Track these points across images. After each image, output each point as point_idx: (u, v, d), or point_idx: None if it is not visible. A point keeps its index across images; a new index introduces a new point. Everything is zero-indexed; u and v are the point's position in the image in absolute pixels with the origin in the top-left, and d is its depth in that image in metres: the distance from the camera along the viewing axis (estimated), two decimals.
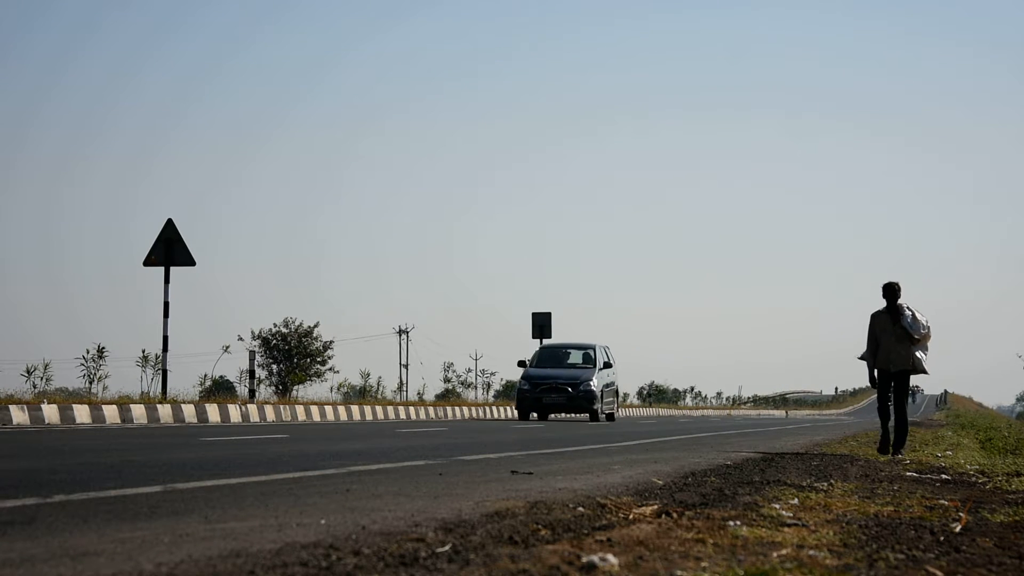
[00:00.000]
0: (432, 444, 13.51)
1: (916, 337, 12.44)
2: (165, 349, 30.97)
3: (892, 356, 12.52)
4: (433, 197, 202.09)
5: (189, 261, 30.29)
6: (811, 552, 4.44)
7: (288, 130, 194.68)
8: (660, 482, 7.80)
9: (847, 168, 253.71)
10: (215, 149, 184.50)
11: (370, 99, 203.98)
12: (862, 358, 12.79)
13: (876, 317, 12.67)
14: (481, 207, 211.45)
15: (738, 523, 5.29)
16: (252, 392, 30.19)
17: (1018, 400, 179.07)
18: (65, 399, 27.05)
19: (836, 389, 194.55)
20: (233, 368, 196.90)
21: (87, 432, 16.73)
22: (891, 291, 12.58)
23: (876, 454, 13.16)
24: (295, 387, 58.53)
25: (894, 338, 12.48)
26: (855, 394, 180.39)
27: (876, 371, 12.70)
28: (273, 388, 58.33)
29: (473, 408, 44.22)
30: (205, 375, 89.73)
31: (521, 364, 31.89)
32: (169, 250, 30.32)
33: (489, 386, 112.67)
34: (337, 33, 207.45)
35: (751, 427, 31.13)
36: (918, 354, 12.55)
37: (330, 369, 63.11)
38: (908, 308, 12.56)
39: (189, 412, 25.25)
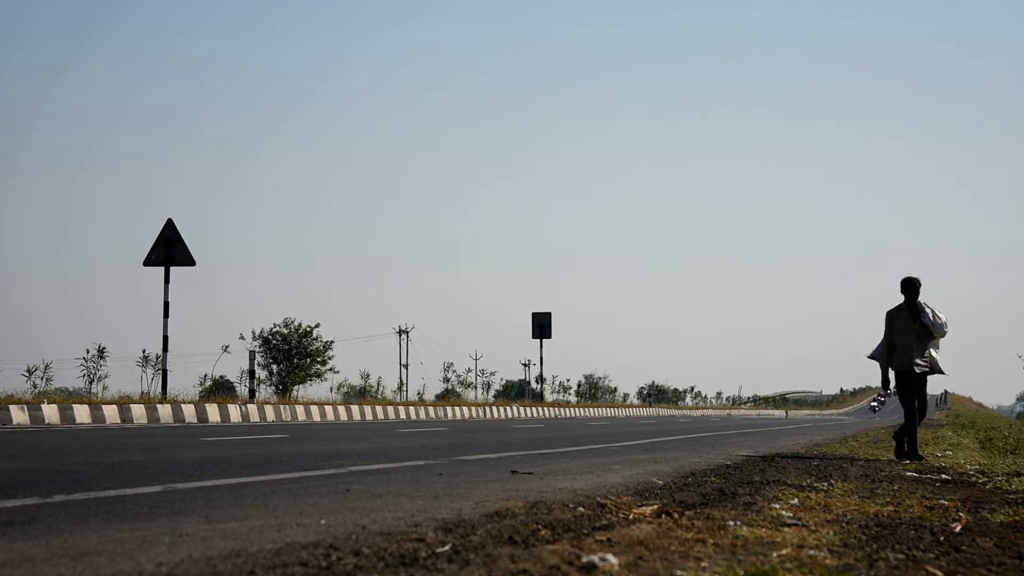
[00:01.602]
0: (432, 444, 13.50)
1: (937, 337, 11.66)
2: (165, 349, 30.97)
3: (914, 357, 11.67)
4: (433, 197, 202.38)
5: (189, 261, 30.29)
6: (811, 552, 4.44)
7: (288, 130, 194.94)
8: (660, 482, 7.80)
9: (847, 168, 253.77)
10: (215, 149, 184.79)
11: (370, 100, 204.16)
12: (873, 357, 11.95)
13: (894, 315, 11.80)
14: (481, 207, 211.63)
15: (738, 523, 5.29)
16: (252, 392, 30.18)
17: (1018, 400, 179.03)
18: (65, 399, 27.05)
19: (841, 389, 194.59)
20: (233, 368, 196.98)
21: (87, 432, 16.72)
22: (911, 287, 11.74)
23: (876, 454, 13.15)
24: (295, 387, 58.52)
25: (914, 337, 11.66)
26: (855, 394, 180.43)
27: (894, 373, 11.81)
28: (273, 388, 58.32)
29: (473, 408, 44.22)
30: (205, 375, 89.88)
31: None
32: (169, 250, 30.32)
33: (489, 386, 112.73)
34: (338, 34, 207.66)
35: (751, 427, 31.12)
36: (934, 353, 11.78)
37: (330, 369, 63.11)
38: (927, 306, 11.72)
39: (189, 412, 25.26)
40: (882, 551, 4.55)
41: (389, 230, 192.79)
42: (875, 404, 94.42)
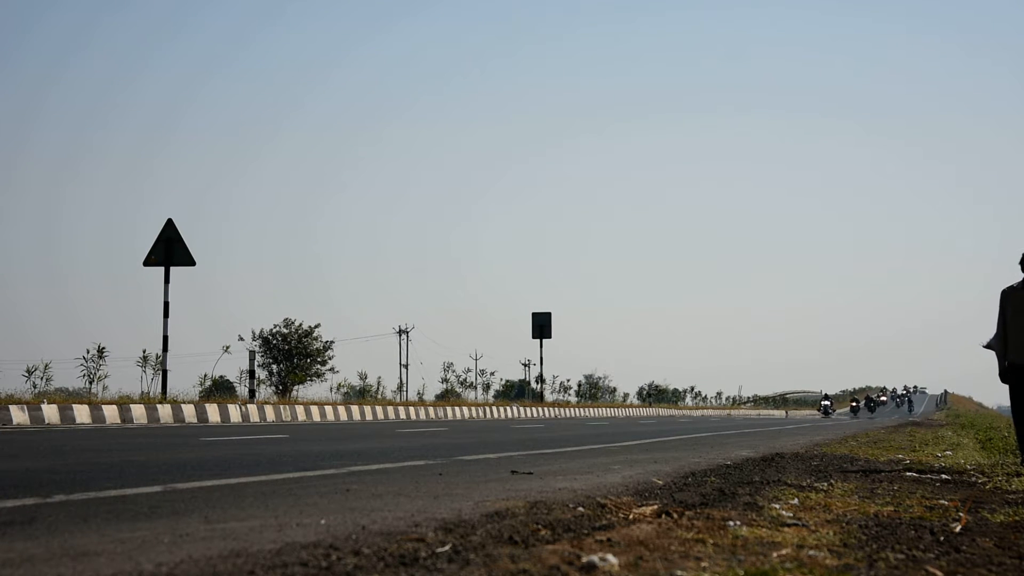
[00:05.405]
0: (432, 444, 13.51)
1: None
2: (165, 349, 30.99)
3: None
4: (433, 197, 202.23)
5: (189, 261, 30.30)
6: (811, 552, 4.44)
7: (288, 131, 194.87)
8: (660, 482, 7.80)
9: (847, 168, 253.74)
10: (215, 149, 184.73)
11: (370, 100, 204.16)
12: (989, 347, 10.37)
13: (1010, 294, 10.00)
14: (481, 207, 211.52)
15: (738, 523, 5.29)
16: (252, 392, 30.20)
17: None
18: (65, 399, 27.07)
19: (847, 392, 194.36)
20: (233, 368, 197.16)
21: (87, 432, 16.73)
22: None
23: (876, 454, 13.13)
24: (295, 387, 58.54)
25: None
26: (855, 393, 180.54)
27: (1008, 364, 10.04)
28: (273, 388, 58.36)
29: (473, 408, 44.24)
30: (205, 375, 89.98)
31: None
32: (169, 250, 30.34)
33: (489, 386, 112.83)
34: (337, 34, 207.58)
35: (751, 427, 31.13)
36: None
37: (330, 369, 63.14)
38: None
39: (189, 412, 25.27)
40: (882, 551, 4.55)
41: (389, 230, 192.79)
42: (827, 403, 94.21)
